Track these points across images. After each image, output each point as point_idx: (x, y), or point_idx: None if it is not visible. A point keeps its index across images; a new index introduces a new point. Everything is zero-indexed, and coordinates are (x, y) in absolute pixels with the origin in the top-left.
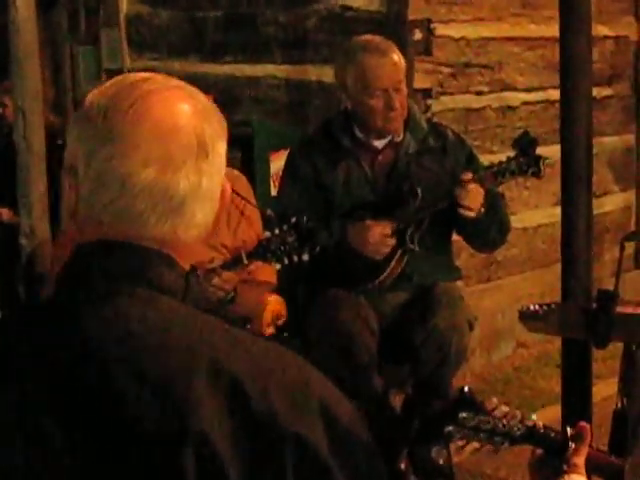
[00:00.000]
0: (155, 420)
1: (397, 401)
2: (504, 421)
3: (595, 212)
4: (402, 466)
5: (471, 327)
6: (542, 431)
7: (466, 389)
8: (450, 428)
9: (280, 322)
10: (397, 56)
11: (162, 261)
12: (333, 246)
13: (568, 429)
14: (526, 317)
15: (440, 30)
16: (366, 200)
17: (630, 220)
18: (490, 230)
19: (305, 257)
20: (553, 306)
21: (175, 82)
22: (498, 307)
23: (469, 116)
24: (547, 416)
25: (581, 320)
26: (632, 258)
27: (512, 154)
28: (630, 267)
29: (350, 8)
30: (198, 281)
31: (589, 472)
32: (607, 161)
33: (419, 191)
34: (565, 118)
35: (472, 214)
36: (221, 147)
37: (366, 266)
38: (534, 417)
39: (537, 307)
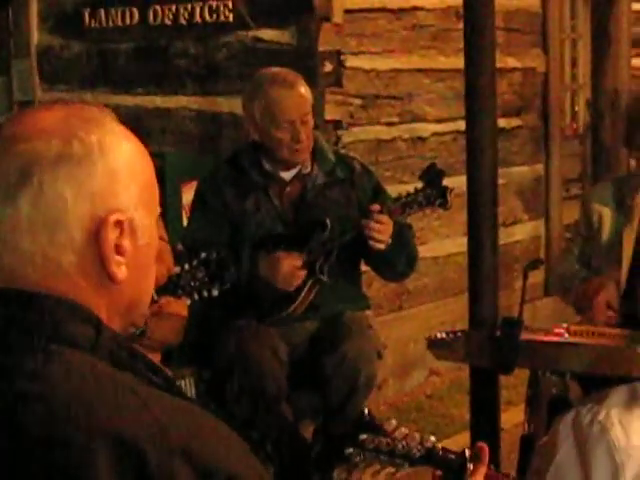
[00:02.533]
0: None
1: (309, 431)
2: (403, 442)
3: (505, 241)
4: None
5: (380, 356)
6: (441, 452)
7: (366, 411)
8: (350, 450)
9: None
10: (304, 88)
11: (65, 311)
12: (244, 277)
13: (466, 450)
14: (434, 345)
15: (350, 62)
16: (275, 232)
17: (539, 249)
18: (398, 261)
19: (215, 292)
20: (459, 334)
21: (63, 105)
22: (410, 336)
23: (380, 147)
24: (458, 443)
25: (486, 347)
26: (542, 286)
27: (421, 185)
28: (540, 295)
29: (261, 40)
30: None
31: None
32: (516, 191)
33: (327, 222)
34: (470, 149)
35: (381, 246)
36: (70, 172)
37: (276, 297)
38: (433, 439)
39: (444, 335)
